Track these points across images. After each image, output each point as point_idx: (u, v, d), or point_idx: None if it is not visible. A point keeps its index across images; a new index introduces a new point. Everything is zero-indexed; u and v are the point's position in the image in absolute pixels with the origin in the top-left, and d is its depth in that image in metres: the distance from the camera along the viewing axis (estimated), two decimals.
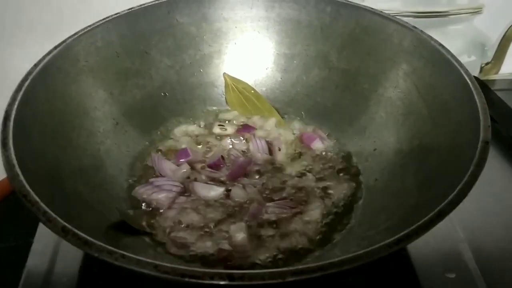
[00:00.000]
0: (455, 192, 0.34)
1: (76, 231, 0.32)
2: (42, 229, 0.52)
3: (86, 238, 0.31)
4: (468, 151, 0.38)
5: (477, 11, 0.74)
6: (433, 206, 0.34)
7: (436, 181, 0.42)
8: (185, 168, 0.53)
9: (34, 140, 0.42)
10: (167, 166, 0.53)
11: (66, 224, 0.32)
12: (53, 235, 0.32)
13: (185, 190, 0.51)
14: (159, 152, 0.56)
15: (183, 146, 0.57)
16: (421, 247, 0.51)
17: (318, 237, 0.47)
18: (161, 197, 0.49)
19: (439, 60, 0.49)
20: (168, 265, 0.29)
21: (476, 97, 0.43)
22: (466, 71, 0.46)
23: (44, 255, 0.50)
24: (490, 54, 0.79)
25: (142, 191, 0.49)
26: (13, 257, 0.51)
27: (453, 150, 0.43)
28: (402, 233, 0.31)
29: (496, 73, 0.80)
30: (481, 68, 0.80)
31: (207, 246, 0.46)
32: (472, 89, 0.44)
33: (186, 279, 0.28)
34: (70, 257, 0.49)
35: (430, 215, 0.32)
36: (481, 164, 0.36)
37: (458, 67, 0.46)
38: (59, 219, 0.32)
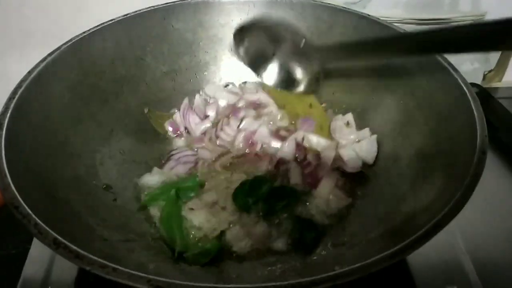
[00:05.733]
0: (451, 204, 0.33)
1: (67, 243, 0.31)
2: None
3: (77, 251, 0.31)
4: (465, 161, 0.38)
5: (479, 18, 0.74)
6: (430, 217, 0.34)
7: (434, 191, 0.41)
8: (208, 123, 0.59)
9: (27, 149, 0.42)
10: (193, 119, 0.59)
11: (58, 236, 0.32)
12: None
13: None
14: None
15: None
16: (422, 259, 0.50)
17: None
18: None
19: (436, 68, 0.48)
20: (162, 279, 0.28)
21: (473, 105, 0.42)
22: (463, 80, 0.45)
23: (41, 264, 0.50)
24: (493, 62, 0.78)
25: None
26: (12, 265, 0.51)
27: (449, 160, 0.42)
28: (397, 247, 0.31)
29: (499, 80, 0.80)
30: (484, 76, 0.80)
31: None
32: (469, 97, 0.43)
33: None
34: (67, 265, 0.49)
35: (426, 227, 0.32)
36: (477, 175, 0.36)
37: (455, 75, 0.46)
38: (50, 231, 0.32)
